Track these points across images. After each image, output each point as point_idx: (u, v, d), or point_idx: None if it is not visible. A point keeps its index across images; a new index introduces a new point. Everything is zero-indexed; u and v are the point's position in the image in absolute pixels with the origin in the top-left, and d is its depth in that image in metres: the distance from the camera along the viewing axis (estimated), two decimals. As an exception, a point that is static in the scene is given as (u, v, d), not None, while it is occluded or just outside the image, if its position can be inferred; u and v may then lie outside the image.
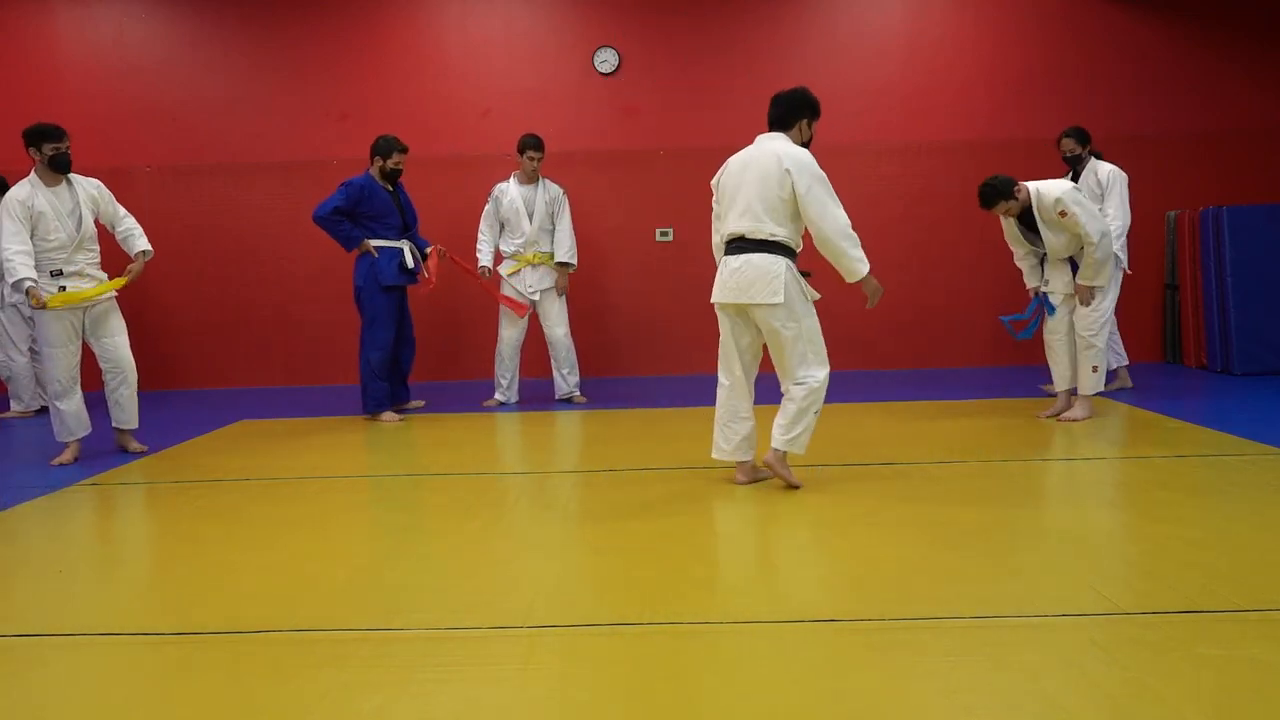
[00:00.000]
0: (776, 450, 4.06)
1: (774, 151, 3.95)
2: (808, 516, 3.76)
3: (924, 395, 6.30)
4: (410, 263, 6.18)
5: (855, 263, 3.95)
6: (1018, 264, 5.81)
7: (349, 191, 6.06)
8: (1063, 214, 5.07)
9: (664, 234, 7.99)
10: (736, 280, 3.98)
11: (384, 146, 6.15)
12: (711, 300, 4.15)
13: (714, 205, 4.21)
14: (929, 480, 4.22)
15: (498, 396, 6.71)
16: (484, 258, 6.65)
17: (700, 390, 7.06)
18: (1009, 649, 2.45)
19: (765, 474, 4.25)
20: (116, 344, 5.26)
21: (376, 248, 6.12)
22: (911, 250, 7.85)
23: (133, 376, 5.33)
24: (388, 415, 6.14)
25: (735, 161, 4.10)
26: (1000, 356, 7.93)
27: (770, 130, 4.10)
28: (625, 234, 7.92)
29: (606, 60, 7.94)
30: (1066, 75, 7.91)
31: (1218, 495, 3.81)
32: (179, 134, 8.04)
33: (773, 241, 3.94)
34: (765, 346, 4.16)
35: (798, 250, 4.02)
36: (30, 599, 3.14)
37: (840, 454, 4.70)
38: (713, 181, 4.21)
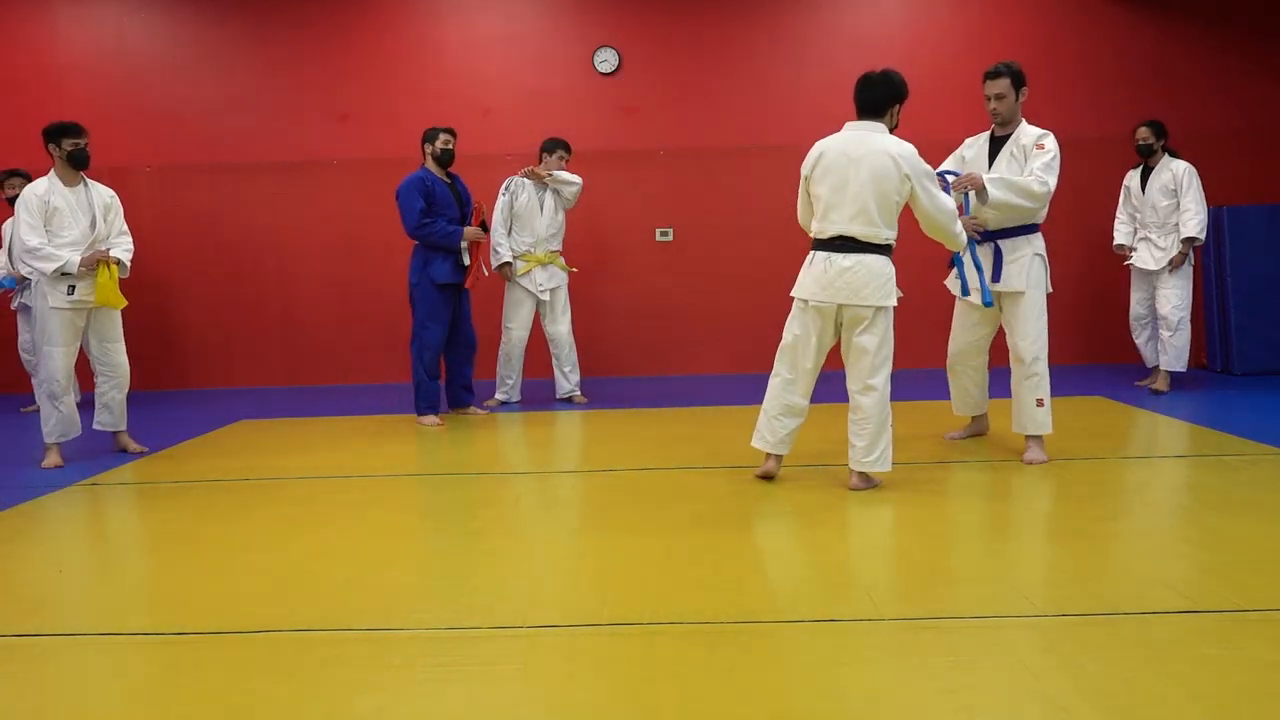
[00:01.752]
0: (860, 474, 4.01)
1: (885, 150, 3.87)
2: (808, 517, 3.76)
3: (926, 395, 6.30)
4: (465, 260, 6.06)
5: (958, 236, 4.10)
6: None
7: (411, 186, 5.96)
8: (1041, 146, 4.52)
9: (664, 234, 8.00)
10: (847, 280, 3.89)
11: (429, 133, 6.11)
12: (802, 296, 4.02)
13: (803, 192, 4.10)
14: (929, 480, 4.22)
15: (499, 396, 6.69)
16: (505, 253, 6.60)
17: (701, 390, 7.07)
18: (1009, 649, 2.45)
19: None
20: (117, 349, 5.31)
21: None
22: (913, 250, 7.85)
23: (126, 381, 5.36)
24: (429, 419, 6.01)
25: (834, 152, 3.95)
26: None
27: (861, 116, 3.99)
28: (625, 234, 7.92)
29: (606, 60, 7.95)
30: (1066, 75, 7.90)
31: (1218, 495, 3.81)
32: (179, 134, 8.04)
33: (884, 244, 3.93)
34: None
35: None
36: (30, 599, 3.14)
37: (841, 453, 4.70)
38: (805, 170, 4.05)
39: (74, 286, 5.05)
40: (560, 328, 6.74)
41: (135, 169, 8.03)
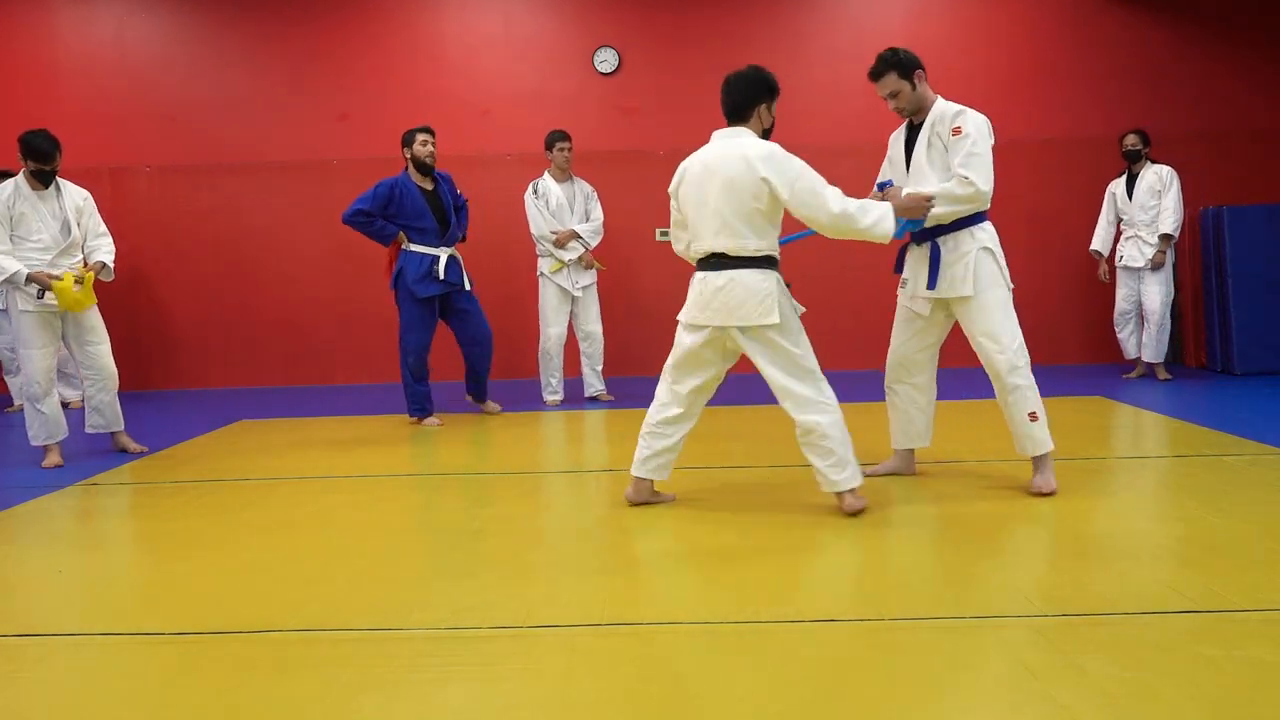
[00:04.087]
0: (842, 494, 3.66)
1: (741, 156, 3.55)
2: (807, 517, 3.75)
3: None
4: (441, 273, 5.93)
5: (876, 227, 3.52)
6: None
7: (377, 191, 5.87)
8: (957, 131, 3.79)
9: (664, 234, 8.00)
10: (723, 300, 3.59)
11: (407, 135, 6.01)
12: (682, 319, 3.76)
13: (674, 213, 3.84)
14: (929, 480, 4.21)
15: (548, 397, 6.75)
16: (567, 253, 6.65)
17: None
18: (1009, 649, 2.45)
19: (662, 498, 3.98)
20: (100, 351, 5.26)
21: (410, 253, 5.93)
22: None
23: (113, 383, 5.32)
24: (429, 420, 6.02)
25: (695, 167, 3.70)
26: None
27: (728, 123, 3.71)
28: (625, 234, 7.92)
29: (606, 60, 7.95)
30: (1066, 75, 7.91)
31: (1218, 495, 3.81)
32: (179, 134, 8.04)
33: (758, 256, 3.60)
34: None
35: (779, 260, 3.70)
36: (30, 599, 3.14)
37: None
38: (671, 189, 3.82)
39: (43, 290, 4.99)
40: (595, 326, 6.82)
41: (135, 169, 8.03)
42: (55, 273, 5.01)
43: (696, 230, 3.69)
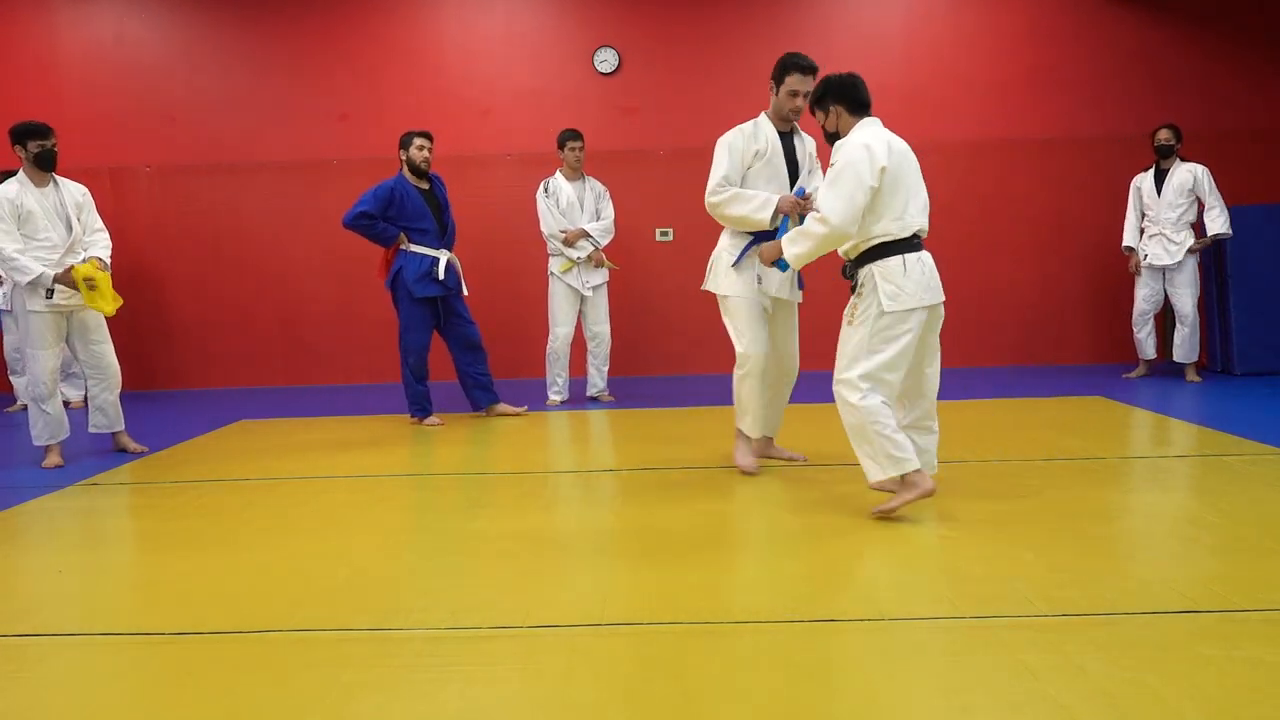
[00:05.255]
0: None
1: (906, 144, 3.72)
2: (807, 517, 3.75)
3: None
4: (440, 274, 5.91)
5: None
6: None
7: (378, 193, 5.82)
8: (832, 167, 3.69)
9: (664, 234, 8.00)
10: (934, 279, 3.67)
11: (404, 138, 5.95)
12: (899, 307, 3.56)
13: (866, 195, 3.55)
14: (929, 480, 4.21)
15: (553, 397, 6.73)
16: (578, 251, 6.62)
17: (700, 390, 7.06)
18: (1009, 649, 2.45)
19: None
20: (104, 350, 5.26)
21: (409, 253, 5.89)
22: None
23: (117, 382, 5.32)
24: (430, 420, 6.02)
25: (899, 146, 3.66)
26: (997, 356, 7.94)
27: (864, 113, 3.75)
28: (625, 234, 7.90)
29: (606, 60, 7.95)
30: (1066, 75, 7.91)
31: (1218, 495, 3.81)
32: (179, 134, 8.05)
33: None
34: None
35: None
36: (30, 599, 3.14)
37: (841, 454, 4.70)
38: (881, 166, 3.54)
39: (52, 290, 4.97)
40: (603, 326, 6.81)
41: (135, 169, 8.03)
42: (92, 254, 5.05)
43: (908, 208, 3.65)
